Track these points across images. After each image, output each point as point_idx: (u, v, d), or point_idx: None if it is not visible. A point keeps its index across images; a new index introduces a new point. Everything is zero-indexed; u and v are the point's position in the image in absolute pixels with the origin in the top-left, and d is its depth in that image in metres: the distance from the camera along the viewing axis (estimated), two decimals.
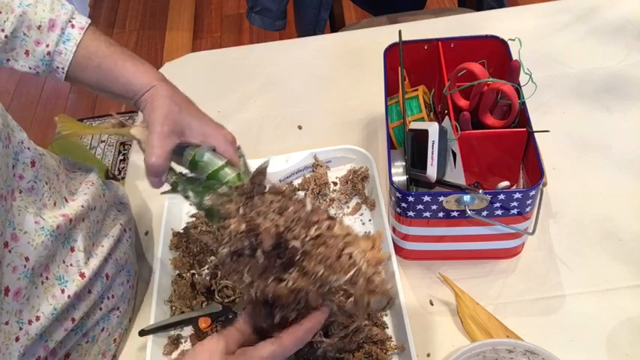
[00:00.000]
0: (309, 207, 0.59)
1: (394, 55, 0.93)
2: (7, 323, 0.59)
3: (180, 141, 0.67)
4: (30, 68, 0.71)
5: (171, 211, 0.96)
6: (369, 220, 0.93)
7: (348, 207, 0.95)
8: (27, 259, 0.62)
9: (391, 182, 0.79)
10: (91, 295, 0.74)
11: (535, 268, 0.84)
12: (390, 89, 0.94)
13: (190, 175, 0.68)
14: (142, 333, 0.80)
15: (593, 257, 0.85)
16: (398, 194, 0.77)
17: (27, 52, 0.69)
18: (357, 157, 0.99)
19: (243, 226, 0.57)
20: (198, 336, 0.82)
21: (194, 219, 0.93)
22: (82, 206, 0.73)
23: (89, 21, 0.72)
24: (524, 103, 0.83)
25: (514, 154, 0.85)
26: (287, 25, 1.65)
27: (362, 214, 0.94)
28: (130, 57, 0.71)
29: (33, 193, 0.65)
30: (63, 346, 0.70)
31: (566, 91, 1.08)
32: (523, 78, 0.84)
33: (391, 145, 0.92)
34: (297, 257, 0.57)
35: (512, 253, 0.86)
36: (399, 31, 0.93)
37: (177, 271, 0.89)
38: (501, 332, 0.77)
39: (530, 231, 0.79)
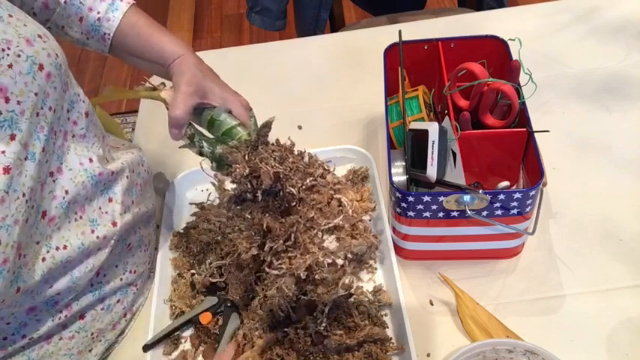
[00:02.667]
0: (306, 158, 0.68)
1: (394, 55, 0.93)
2: (37, 243, 0.65)
3: (202, 102, 0.76)
4: (82, 34, 0.81)
5: (172, 211, 0.96)
6: (369, 220, 0.93)
7: None
8: (67, 192, 0.69)
9: (391, 182, 0.79)
10: (112, 255, 0.77)
11: (535, 268, 0.84)
12: (390, 89, 0.94)
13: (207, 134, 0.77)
14: (146, 348, 0.80)
15: (593, 257, 0.85)
16: (398, 194, 0.77)
17: (81, 19, 0.80)
18: (357, 157, 0.99)
19: (246, 170, 0.65)
20: (200, 333, 0.82)
21: (194, 218, 0.93)
22: (122, 163, 0.80)
23: (134, 1, 0.83)
24: (524, 103, 0.83)
25: (514, 154, 0.85)
26: (287, 25, 1.65)
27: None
28: (164, 30, 0.82)
29: (85, 140, 0.74)
30: (78, 303, 0.75)
31: (566, 91, 1.08)
32: (523, 78, 0.84)
33: (391, 145, 0.92)
34: (294, 203, 0.65)
35: (512, 253, 0.86)
36: (399, 31, 0.93)
37: (178, 271, 0.89)
38: (501, 332, 0.77)
39: (530, 231, 0.79)
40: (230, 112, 0.77)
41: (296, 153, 0.69)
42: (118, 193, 0.77)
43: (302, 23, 1.61)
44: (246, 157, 0.67)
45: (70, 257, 0.68)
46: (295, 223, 0.64)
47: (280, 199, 0.65)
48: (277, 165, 0.65)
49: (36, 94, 0.62)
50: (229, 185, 0.68)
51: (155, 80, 0.85)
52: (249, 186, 0.65)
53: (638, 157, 0.96)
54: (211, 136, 0.76)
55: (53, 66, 0.65)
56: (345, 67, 1.21)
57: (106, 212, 0.75)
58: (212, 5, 2.97)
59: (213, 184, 0.69)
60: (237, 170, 0.65)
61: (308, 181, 0.65)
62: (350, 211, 0.64)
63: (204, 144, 0.75)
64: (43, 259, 0.65)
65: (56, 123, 0.68)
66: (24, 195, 0.60)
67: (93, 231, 0.72)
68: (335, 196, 0.65)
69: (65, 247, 0.68)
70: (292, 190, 0.64)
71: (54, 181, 0.67)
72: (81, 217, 0.71)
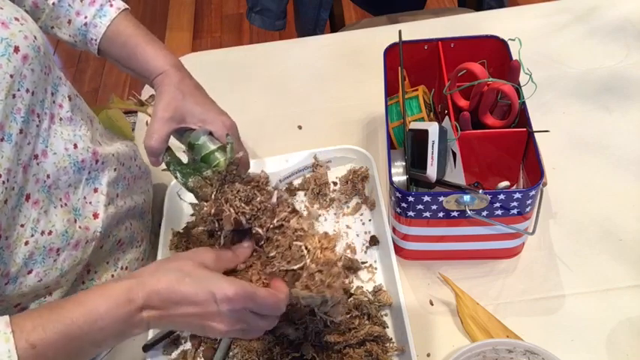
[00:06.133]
0: (274, 199, 0.66)
1: (394, 55, 0.93)
2: (22, 226, 0.64)
3: (179, 127, 0.74)
4: (70, 36, 0.81)
5: (172, 211, 0.96)
6: (369, 220, 0.93)
7: (348, 207, 0.95)
8: (48, 176, 0.68)
9: (391, 182, 0.79)
10: (101, 251, 0.77)
11: (535, 268, 0.84)
12: (390, 89, 0.94)
13: (189, 156, 0.75)
14: (146, 348, 0.79)
15: (593, 257, 0.85)
16: (398, 194, 0.77)
17: (69, 22, 0.79)
18: (357, 157, 0.99)
19: (213, 210, 0.64)
20: None
21: (194, 218, 0.93)
22: (113, 154, 0.79)
23: (127, 6, 0.81)
24: (524, 103, 0.83)
25: (514, 154, 0.85)
26: (287, 25, 1.65)
27: (362, 214, 0.94)
28: (152, 41, 0.79)
29: (72, 123, 0.73)
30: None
31: (566, 91, 1.08)
32: (523, 78, 0.84)
33: (391, 145, 0.92)
34: (261, 243, 0.65)
35: (512, 253, 0.86)
36: (399, 31, 0.93)
37: None
38: (501, 332, 0.77)
39: (530, 231, 0.80)
40: (212, 134, 0.74)
41: (270, 189, 0.68)
42: (103, 184, 0.76)
43: (302, 23, 1.61)
44: (213, 195, 0.66)
45: (53, 244, 0.67)
46: (254, 262, 0.65)
47: (248, 239, 0.65)
48: (243, 205, 0.64)
49: (11, 76, 0.62)
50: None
51: (147, 90, 0.84)
52: (215, 225, 0.65)
53: (638, 157, 0.96)
54: (192, 155, 0.75)
55: (30, 48, 0.65)
56: (345, 67, 1.21)
57: (90, 202, 0.74)
58: (212, 5, 2.97)
59: (192, 205, 0.69)
60: (205, 209, 0.65)
61: (275, 221, 0.65)
62: (308, 260, 0.63)
63: (178, 174, 0.73)
64: (26, 243, 0.64)
65: (38, 105, 0.67)
66: (0, 176, 0.60)
67: (75, 220, 0.71)
68: (295, 242, 0.64)
69: (50, 232, 0.67)
70: (259, 230, 0.64)
71: (38, 164, 0.67)
72: (66, 205, 0.71)
